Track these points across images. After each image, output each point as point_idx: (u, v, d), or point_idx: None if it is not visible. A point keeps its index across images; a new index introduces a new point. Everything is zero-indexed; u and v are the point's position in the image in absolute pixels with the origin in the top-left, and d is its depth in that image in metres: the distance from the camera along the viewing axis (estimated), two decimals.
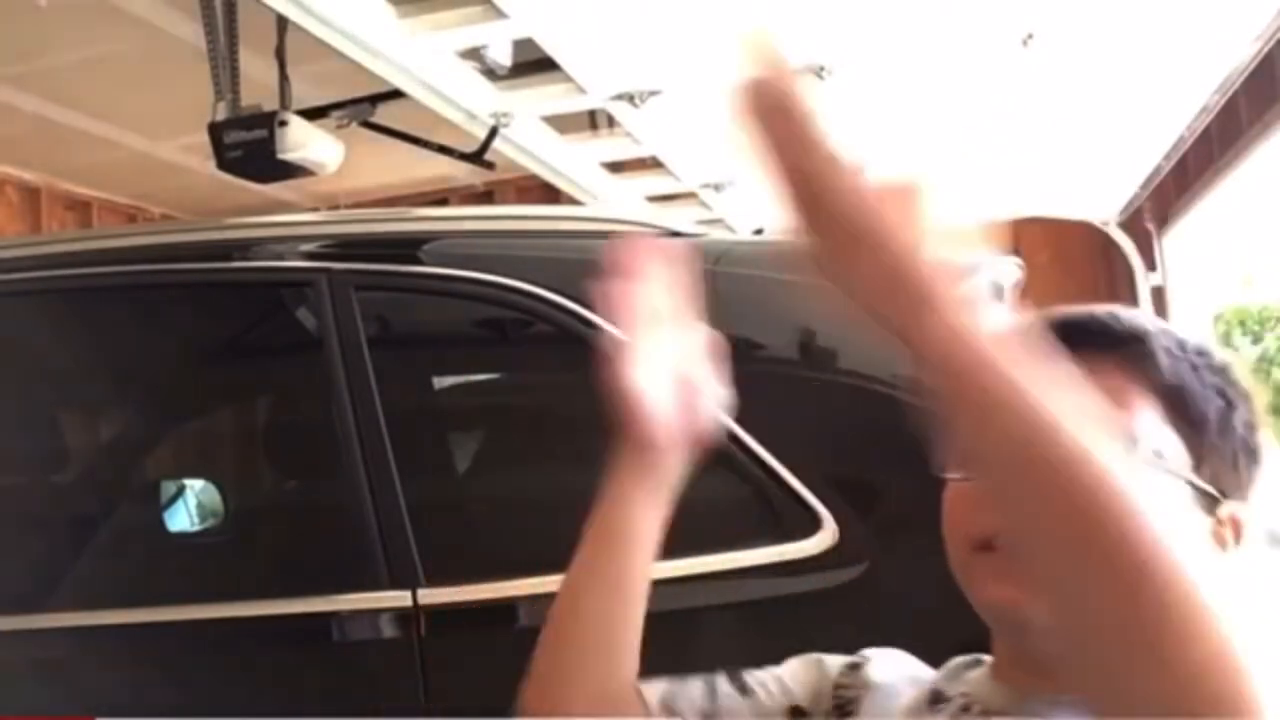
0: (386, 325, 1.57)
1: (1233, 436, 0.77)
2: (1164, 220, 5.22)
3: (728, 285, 1.48)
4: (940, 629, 1.25)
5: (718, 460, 1.15)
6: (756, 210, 4.19)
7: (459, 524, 1.43)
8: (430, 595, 1.31)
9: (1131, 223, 5.24)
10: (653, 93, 3.01)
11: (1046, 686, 0.70)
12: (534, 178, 3.98)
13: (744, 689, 0.90)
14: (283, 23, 2.99)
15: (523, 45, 2.84)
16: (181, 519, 1.64)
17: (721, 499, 1.30)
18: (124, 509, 1.72)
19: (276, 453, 1.83)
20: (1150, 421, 0.74)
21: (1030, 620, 0.65)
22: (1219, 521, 0.75)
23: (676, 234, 1.54)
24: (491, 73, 2.99)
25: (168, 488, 1.64)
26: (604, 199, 4.03)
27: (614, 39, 2.70)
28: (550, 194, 4.50)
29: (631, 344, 0.82)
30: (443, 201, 5.46)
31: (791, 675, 0.91)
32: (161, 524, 1.61)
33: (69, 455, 1.82)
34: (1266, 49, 3.06)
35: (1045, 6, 2.64)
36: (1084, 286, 5.42)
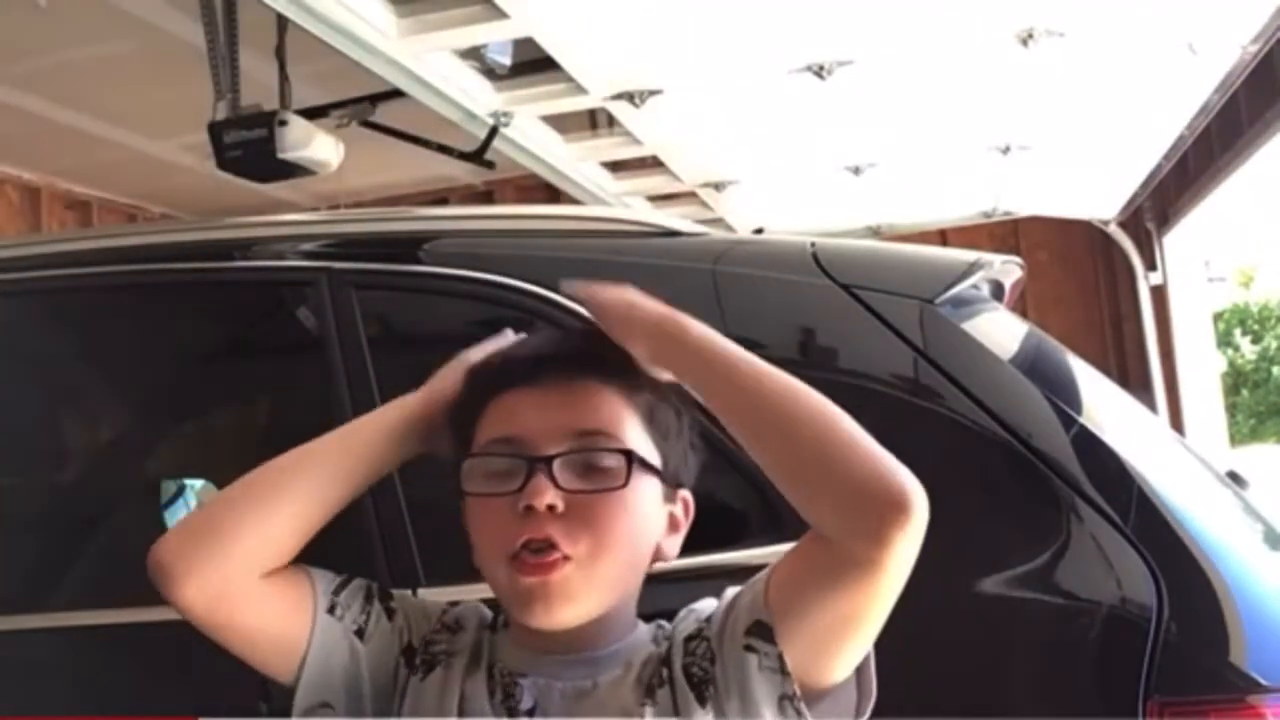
0: (386, 325, 1.57)
1: (683, 439, 1.03)
2: (1164, 220, 5.23)
3: (728, 285, 1.48)
4: (940, 627, 1.25)
5: (718, 460, 1.15)
6: (756, 210, 4.20)
7: (459, 524, 1.43)
8: (430, 595, 1.31)
9: (1131, 223, 5.23)
10: (653, 93, 3.01)
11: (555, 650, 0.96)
12: (534, 178, 3.98)
13: (390, 612, 1.01)
14: (283, 23, 3.00)
15: (523, 45, 2.84)
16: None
17: (722, 499, 1.30)
18: (124, 508, 1.72)
19: (277, 452, 1.82)
20: (636, 430, 0.98)
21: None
22: (676, 504, 1.02)
23: (676, 234, 1.54)
24: (491, 73, 2.99)
25: (168, 487, 1.64)
26: (604, 199, 4.03)
27: (614, 38, 2.70)
28: (550, 194, 4.50)
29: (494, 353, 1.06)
30: (443, 201, 5.46)
31: (413, 612, 1.03)
32: (162, 523, 1.61)
33: (68, 454, 1.81)
34: (1266, 49, 3.06)
35: (1045, 6, 2.64)
36: (1084, 286, 5.42)
